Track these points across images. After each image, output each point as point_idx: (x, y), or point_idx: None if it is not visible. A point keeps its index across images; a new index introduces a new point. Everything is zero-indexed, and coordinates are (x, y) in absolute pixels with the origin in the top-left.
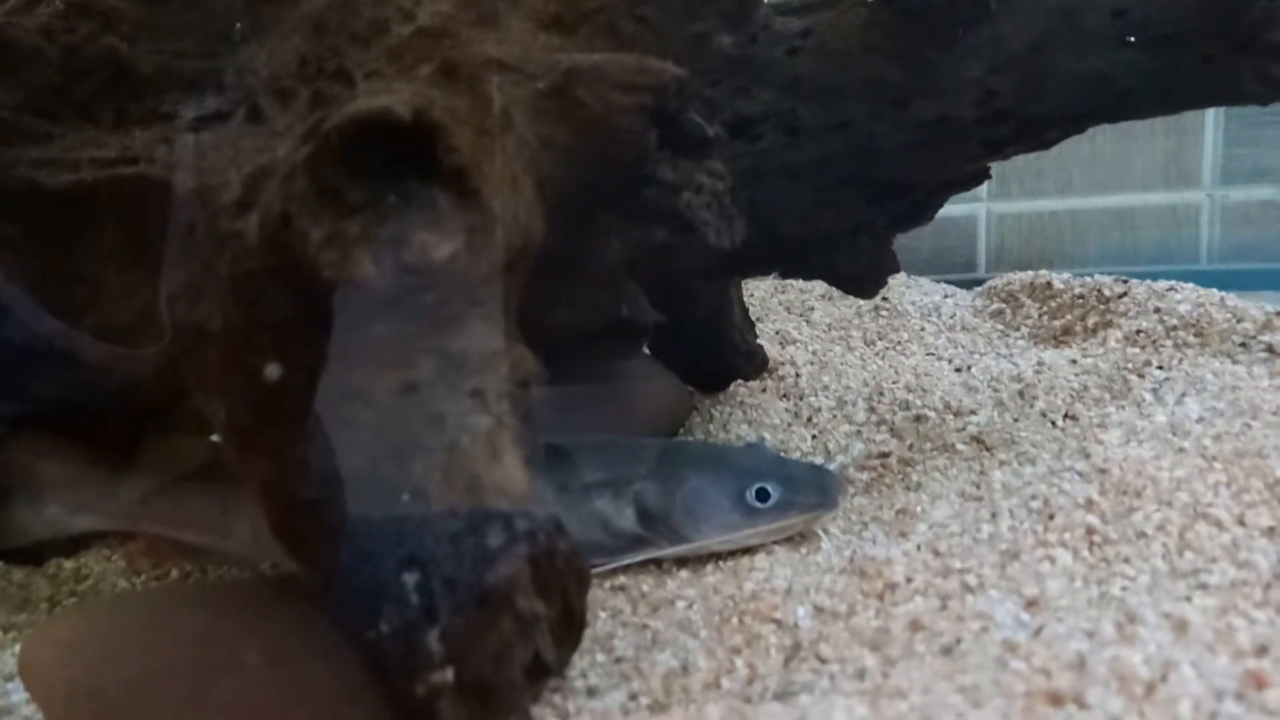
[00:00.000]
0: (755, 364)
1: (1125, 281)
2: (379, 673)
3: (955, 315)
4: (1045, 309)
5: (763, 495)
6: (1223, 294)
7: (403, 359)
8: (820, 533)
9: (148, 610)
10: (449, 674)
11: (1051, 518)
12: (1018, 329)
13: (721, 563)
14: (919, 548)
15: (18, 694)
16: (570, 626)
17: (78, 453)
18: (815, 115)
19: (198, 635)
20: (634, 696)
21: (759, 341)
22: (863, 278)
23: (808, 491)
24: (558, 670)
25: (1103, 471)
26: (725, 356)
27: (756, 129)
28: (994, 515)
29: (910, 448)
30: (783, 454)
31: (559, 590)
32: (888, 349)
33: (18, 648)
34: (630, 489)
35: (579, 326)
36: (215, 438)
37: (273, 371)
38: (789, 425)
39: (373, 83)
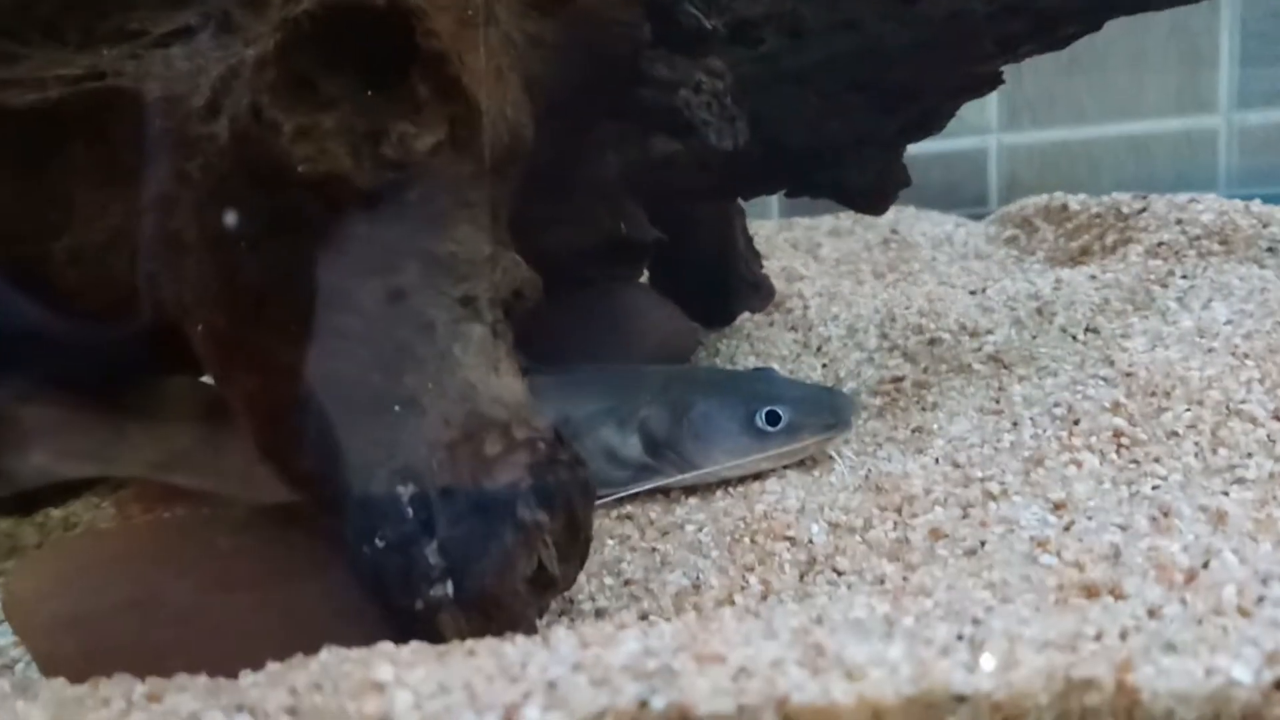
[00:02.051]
0: (761, 295)
1: (1144, 198)
2: (376, 589)
3: (968, 244)
4: (1061, 231)
5: (773, 418)
6: (1246, 202)
7: (387, 263)
8: (833, 455)
9: (131, 541)
10: (449, 587)
11: (1076, 423)
12: (1033, 253)
13: (731, 489)
14: (937, 460)
15: (4, 636)
16: (575, 539)
17: (62, 398)
18: (820, 15)
19: (184, 562)
20: (644, 616)
21: (765, 273)
22: (871, 191)
23: (819, 413)
24: (564, 584)
25: (1129, 375)
26: (730, 287)
27: (757, 32)
28: (1015, 425)
29: (925, 370)
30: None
31: (562, 501)
32: (899, 280)
33: None
34: (635, 417)
35: (576, 245)
36: (205, 378)
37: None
38: (798, 355)
39: None
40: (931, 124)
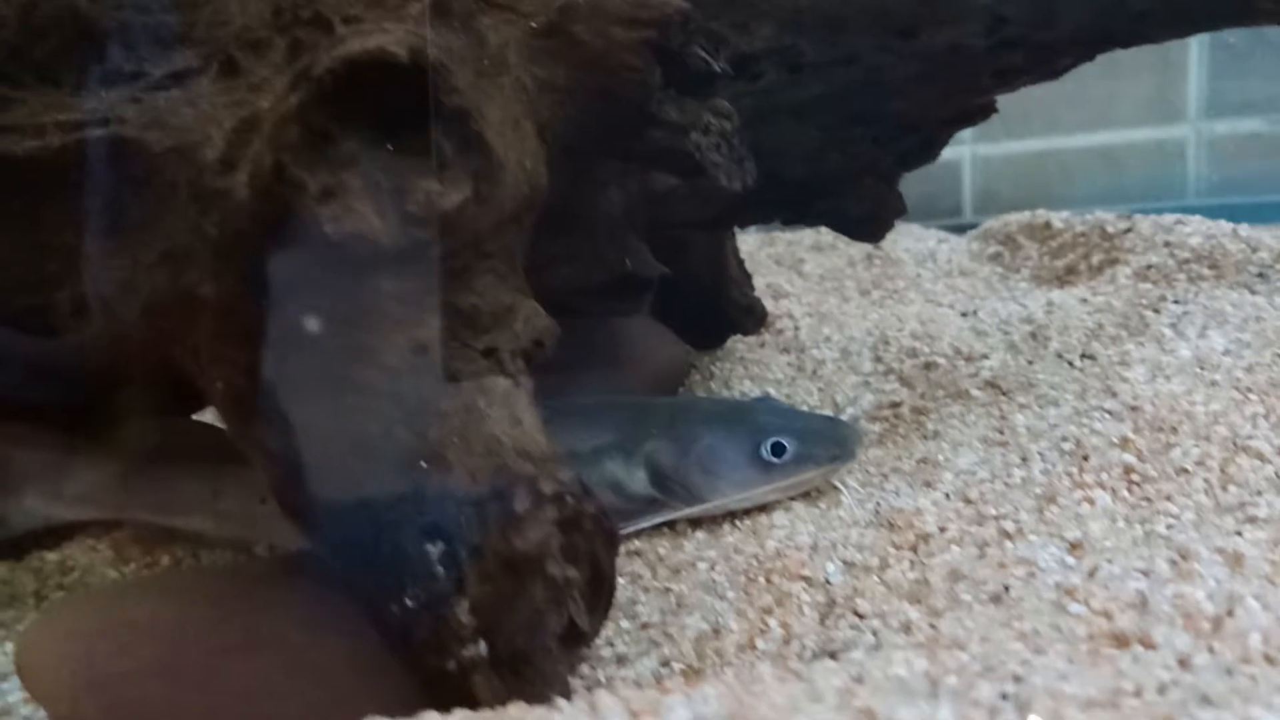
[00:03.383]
0: (755, 318)
1: (1129, 217)
2: (405, 649)
3: (952, 260)
4: (1046, 249)
5: (778, 450)
6: (1234, 225)
7: (411, 317)
8: (839, 486)
9: (148, 599)
10: (482, 647)
11: (1086, 458)
12: (1018, 271)
13: (739, 521)
14: (948, 496)
15: (14, 694)
16: (600, 590)
17: (54, 440)
18: (819, 50)
19: (206, 621)
20: (666, 663)
21: (757, 296)
22: (869, 220)
23: (824, 444)
24: (591, 637)
25: (1134, 409)
26: (723, 311)
27: (757, 67)
28: (1024, 459)
29: (922, 396)
30: (794, 407)
31: (587, 554)
32: (885, 298)
33: (8, 646)
34: (641, 450)
35: (581, 282)
36: (208, 415)
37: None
38: (793, 379)
39: (357, 26)
40: (927, 153)
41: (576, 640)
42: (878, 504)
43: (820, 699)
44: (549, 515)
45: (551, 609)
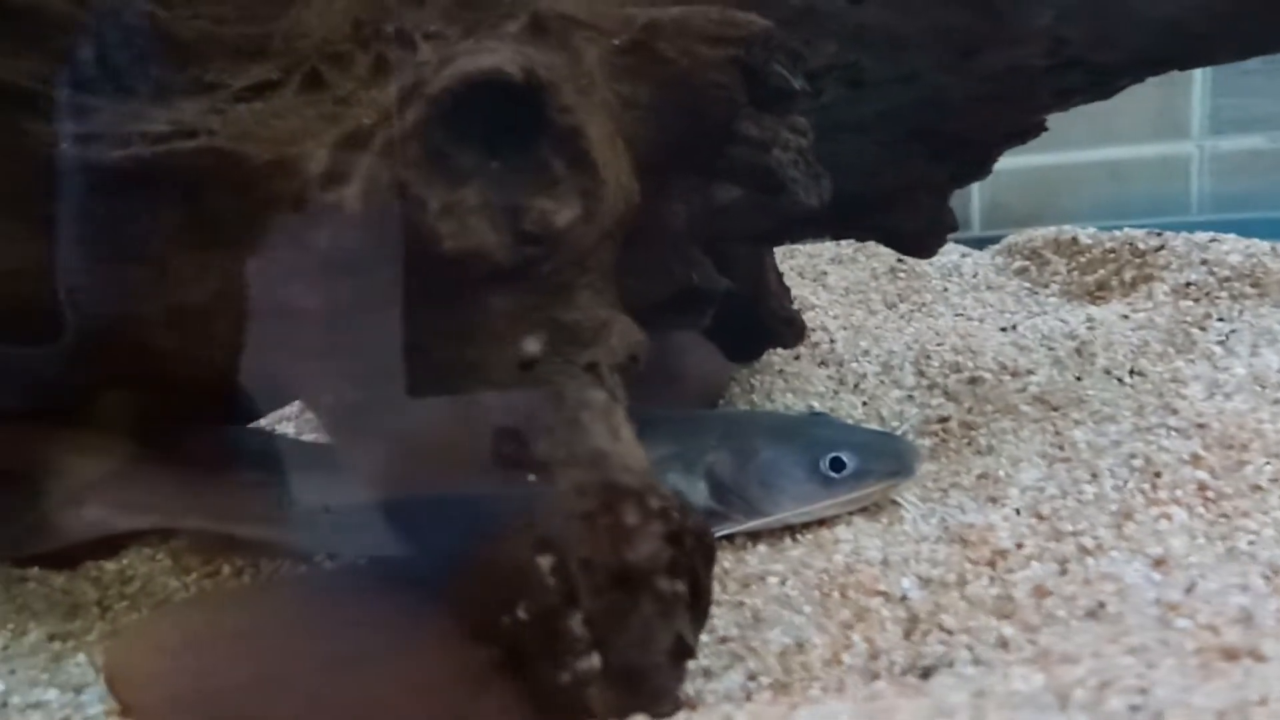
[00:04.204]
0: (794, 331)
1: (1160, 234)
2: (515, 661)
3: (978, 274)
4: (1074, 264)
5: (837, 465)
6: (1273, 243)
7: (518, 332)
8: (900, 501)
9: (241, 611)
10: (595, 659)
11: (1158, 475)
12: (1046, 286)
13: (799, 535)
14: (1018, 512)
15: (95, 705)
16: (699, 605)
17: (116, 448)
18: (880, 67)
19: (305, 634)
20: (753, 676)
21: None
22: (923, 235)
23: (884, 459)
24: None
25: (1200, 426)
26: (762, 323)
27: (819, 83)
28: (1094, 476)
29: (969, 411)
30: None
31: (688, 569)
32: (913, 311)
33: (79, 657)
34: (701, 462)
35: (650, 296)
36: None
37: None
38: (835, 393)
39: (455, 44)
40: (980, 170)
41: (683, 655)
42: (943, 519)
43: (951, 715)
44: (657, 530)
45: (661, 623)
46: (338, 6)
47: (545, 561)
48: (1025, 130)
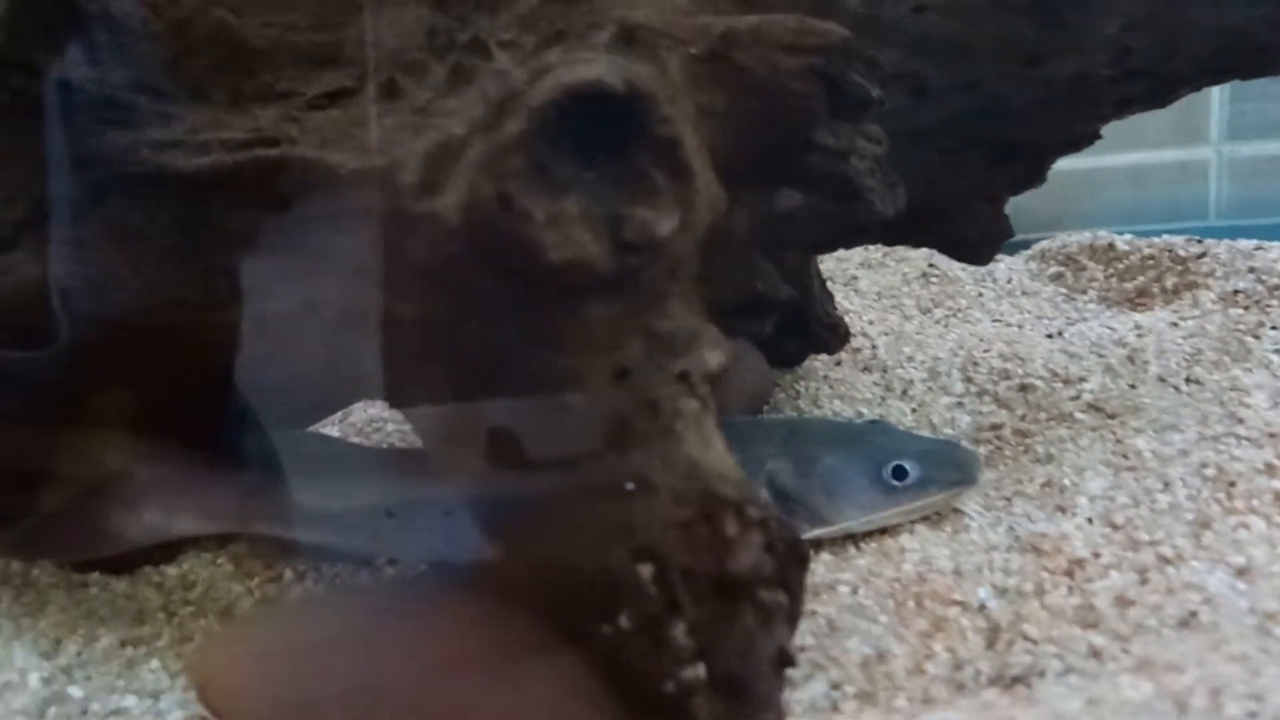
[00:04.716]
0: (839, 336)
1: (1200, 241)
2: (615, 670)
3: (1012, 280)
4: (1111, 271)
5: (900, 473)
6: None
7: (613, 341)
8: (964, 510)
9: (330, 617)
10: (700, 669)
11: (1233, 484)
12: (1084, 292)
13: (863, 544)
14: (1090, 521)
15: (174, 712)
16: (793, 616)
17: (175, 454)
18: (943, 75)
19: (396, 640)
20: (836, 686)
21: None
22: (980, 243)
23: (947, 468)
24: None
25: (1272, 435)
26: (808, 328)
27: (882, 91)
28: (1166, 485)
29: (1023, 418)
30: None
31: (785, 579)
32: (948, 316)
33: (153, 662)
34: (762, 470)
35: (717, 303)
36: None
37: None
38: (883, 399)
39: (532, 53)
40: (1035, 178)
41: (784, 665)
42: (1010, 528)
43: None
44: (757, 540)
45: (763, 633)
46: (410, 15)
47: (645, 570)
48: (1081, 138)
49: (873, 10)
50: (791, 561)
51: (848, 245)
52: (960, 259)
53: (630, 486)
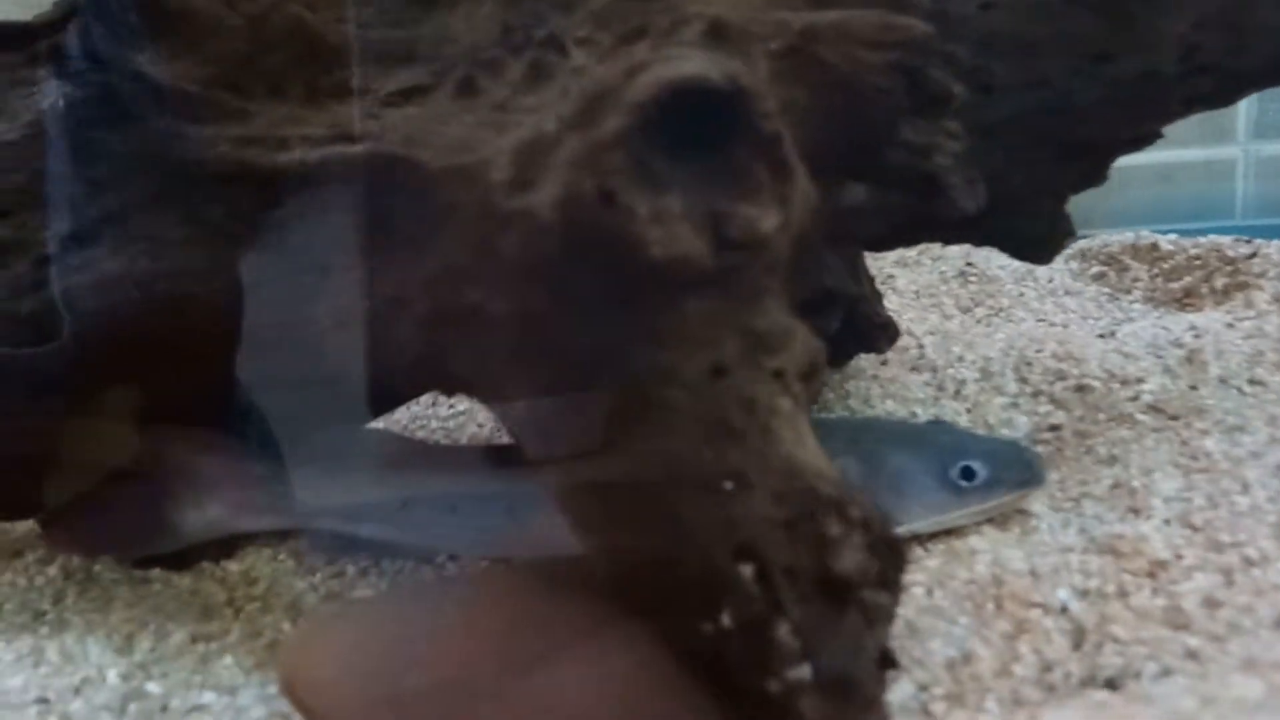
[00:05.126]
0: (888, 335)
1: (1249, 241)
2: (718, 669)
3: (1054, 279)
4: (1157, 271)
5: (968, 474)
6: None
7: (711, 339)
8: (1031, 512)
9: (416, 612)
10: (806, 669)
11: None
12: (1128, 292)
13: (930, 545)
14: (1168, 522)
15: (256, 708)
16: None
17: (239, 448)
18: (1010, 72)
19: (488, 635)
20: (924, 688)
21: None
22: (1043, 240)
23: (1014, 468)
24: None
25: None
26: (857, 327)
27: None
28: (1245, 487)
29: (1081, 419)
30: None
31: (888, 579)
32: (990, 316)
33: (226, 658)
34: None
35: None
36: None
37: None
38: (936, 399)
39: (612, 50)
40: (1098, 175)
41: (890, 665)
42: (1082, 529)
43: None
44: (859, 540)
45: (867, 633)
46: (484, 11)
47: (746, 569)
48: (1145, 137)
49: (940, 6)
50: (892, 563)
51: (909, 243)
52: (1022, 258)
53: (729, 485)
